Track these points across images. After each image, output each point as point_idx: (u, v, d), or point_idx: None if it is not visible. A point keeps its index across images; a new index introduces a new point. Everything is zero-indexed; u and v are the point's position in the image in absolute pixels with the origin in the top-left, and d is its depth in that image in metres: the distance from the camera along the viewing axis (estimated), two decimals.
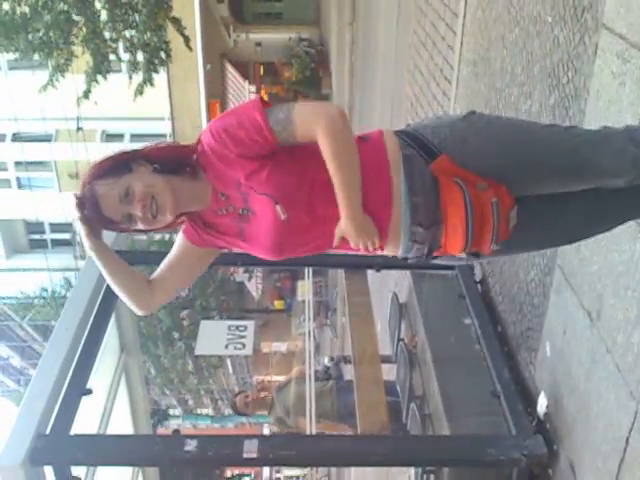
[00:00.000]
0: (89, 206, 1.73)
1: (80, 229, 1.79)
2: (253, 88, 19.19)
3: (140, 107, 16.38)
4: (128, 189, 1.71)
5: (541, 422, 3.00)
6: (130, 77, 11.72)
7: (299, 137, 1.69)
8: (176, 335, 18.31)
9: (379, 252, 1.87)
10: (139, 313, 2.00)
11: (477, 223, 1.70)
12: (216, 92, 19.68)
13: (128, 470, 4.27)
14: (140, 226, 1.77)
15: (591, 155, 1.79)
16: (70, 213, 1.77)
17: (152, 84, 11.91)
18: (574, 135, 1.86)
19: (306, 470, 13.24)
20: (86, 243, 1.82)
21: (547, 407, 2.99)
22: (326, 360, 10.00)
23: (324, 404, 5.08)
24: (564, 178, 1.81)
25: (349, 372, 5.06)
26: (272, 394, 5.49)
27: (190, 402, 23.74)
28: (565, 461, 2.76)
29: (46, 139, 18.79)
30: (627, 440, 2.27)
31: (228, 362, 22.88)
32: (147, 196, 1.72)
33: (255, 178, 1.73)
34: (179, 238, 1.94)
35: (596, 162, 1.80)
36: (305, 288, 14.06)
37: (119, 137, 20.20)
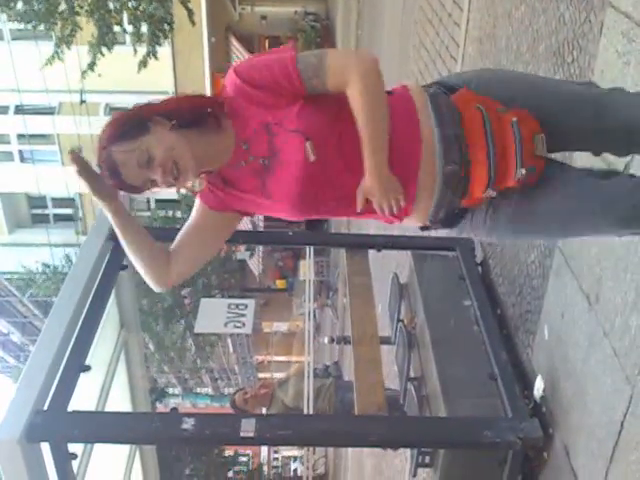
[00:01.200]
0: (109, 173, 1.67)
1: (83, 185, 1.71)
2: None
3: (144, 81, 16.29)
4: (147, 154, 1.65)
5: (537, 405, 3.00)
6: (135, 49, 11.64)
7: (330, 85, 1.63)
8: (177, 313, 18.37)
9: (403, 220, 1.80)
10: (157, 289, 1.91)
11: (498, 146, 1.64)
12: (220, 66, 19.57)
13: (125, 448, 4.28)
14: (159, 188, 1.72)
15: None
16: (70, 177, 1.72)
17: (156, 57, 11.83)
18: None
19: (303, 451, 13.32)
20: (101, 204, 1.75)
21: (544, 390, 2.99)
22: (326, 340, 10.04)
23: (322, 401, 5.12)
24: (589, 106, 1.73)
25: (348, 373, 5.08)
26: (271, 391, 5.52)
27: (190, 381, 23.88)
28: (560, 444, 2.77)
29: (49, 112, 18.71)
30: (622, 424, 2.27)
31: (229, 341, 22.97)
32: (167, 161, 1.65)
33: (285, 113, 1.66)
34: (196, 204, 1.86)
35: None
36: (307, 268, 14.08)
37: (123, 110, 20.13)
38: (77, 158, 1.69)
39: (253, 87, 1.66)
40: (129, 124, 1.68)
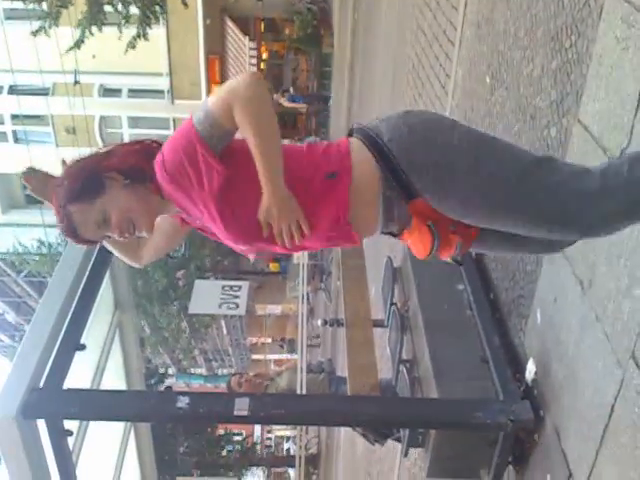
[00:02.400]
0: (66, 230, 1.73)
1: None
2: (253, 45, 18.97)
3: (138, 62, 16.20)
4: (104, 214, 1.70)
5: (529, 388, 3.03)
6: (120, 30, 11.56)
7: (225, 122, 1.61)
8: (171, 294, 18.40)
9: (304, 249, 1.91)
10: (133, 265, 2.11)
11: (440, 251, 1.81)
12: (215, 48, 19.47)
13: (120, 425, 4.31)
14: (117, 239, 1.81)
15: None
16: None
17: (146, 38, 11.76)
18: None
19: (296, 430, 13.42)
20: None
21: (535, 373, 3.02)
22: (319, 322, 10.10)
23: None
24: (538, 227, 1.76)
25: (342, 369, 5.11)
26: (266, 382, 5.58)
27: (184, 362, 23.98)
28: (551, 427, 2.80)
29: (43, 93, 18.61)
30: (612, 407, 2.30)
31: (222, 323, 23.03)
32: (124, 221, 1.72)
33: (212, 222, 1.74)
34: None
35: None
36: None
37: (117, 92, 20.03)
38: (29, 180, 1.79)
39: (180, 190, 1.70)
40: (85, 183, 1.70)
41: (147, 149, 1.77)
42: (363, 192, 1.72)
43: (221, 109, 1.59)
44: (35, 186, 1.79)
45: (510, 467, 3.13)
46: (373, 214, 1.76)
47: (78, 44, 11.52)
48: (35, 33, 11.27)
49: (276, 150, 1.63)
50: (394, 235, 1.88)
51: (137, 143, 1.80)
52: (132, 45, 11.77)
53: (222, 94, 1.60)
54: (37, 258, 17.88)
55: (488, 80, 4.19)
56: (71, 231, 1.73)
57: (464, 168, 1.65)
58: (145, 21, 11.65)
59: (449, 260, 1.87)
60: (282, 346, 24.32)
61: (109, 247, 1.99)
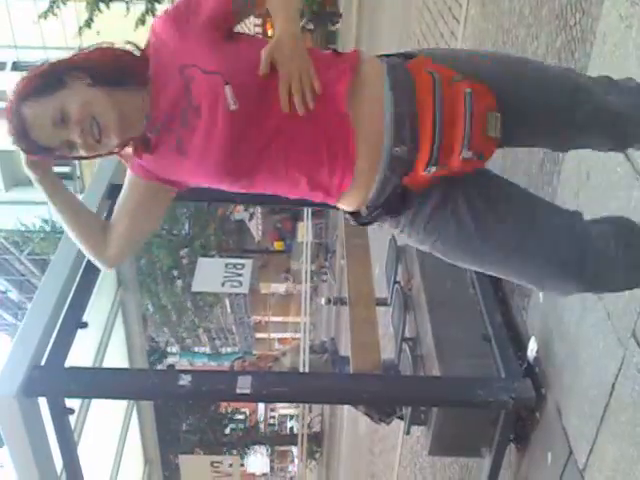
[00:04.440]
0: (17, 133, 1.47)
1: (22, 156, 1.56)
2: (258, 21, 18.80)
3: (142, 38, 16.07)
4: (62, 110, 1.43)
5: (530, 366, 3.03)
6: (128, 7, 11.49)
7: None
8: (175, 273, 18.44)
9: (339, 193, 1.54)
10: (102, 268, 1.74)
11: (447, 114, 1.43)
12: None
13: (123, 404, 4.34)
14: (82, 153, 1.50)
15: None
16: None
17: (154, 14, 11.70)
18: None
19: (300, 409, 13.51)
20: (28, 172, 1.62)
21: (537, 352, 3.02)
22: (323, 301, 10.12)
23: None
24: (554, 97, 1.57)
25: (345, 348, 5.13)
26: (269, 364, 5.60)
27: (187, 340, 24.10)
28: (552, 405, 2.80)
29: None
30: (613, 385, 2.30)
31: (226, 302, 23.11)
32: (86, 117, 1.44)
33: (208, 50, 1.47)
34: (127, 177, 1.66)
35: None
36: (305, 230, 14.11)
37: None
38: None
39: (182, 21, 1.49)
40: (43, 79, 1.47)
41: (123, 55, 1.54)
42: (367, 82, 1.49)
43: None
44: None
45: (511, 445, 3.14)
46: (378, 111, 1.47)
47: (88, 23, 11.44)
48: (44, 15, 11.17)
49: (297, 4, 1.50)
50: (407, 165, 1.49)
51: (113, 48, 1.55)
52: (142, 21, 11.69)
53: None
54: (40, 236, 17.91)
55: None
56: (22, 133, 1.46)
57: None
58: None
59: (467, 155, 1.43)
60: (287, 278, 24.13)
61: (69, 233, 1.68)
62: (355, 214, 1.63)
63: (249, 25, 18.68)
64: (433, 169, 1.46)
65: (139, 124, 1.51)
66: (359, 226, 1.66)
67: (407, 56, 1.58)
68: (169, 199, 1.68)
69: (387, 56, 1.59)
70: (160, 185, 1.62)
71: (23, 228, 18.03)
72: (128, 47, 1.55)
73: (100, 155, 1.55)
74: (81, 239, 1.68)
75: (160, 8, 12.10)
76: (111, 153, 1.56)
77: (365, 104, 1.49)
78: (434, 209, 1.55)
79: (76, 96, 1.44)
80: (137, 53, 1.54)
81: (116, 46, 1.55)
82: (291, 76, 1.42)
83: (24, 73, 1.51)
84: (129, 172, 1.64)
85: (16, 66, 18.65)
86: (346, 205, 1.60)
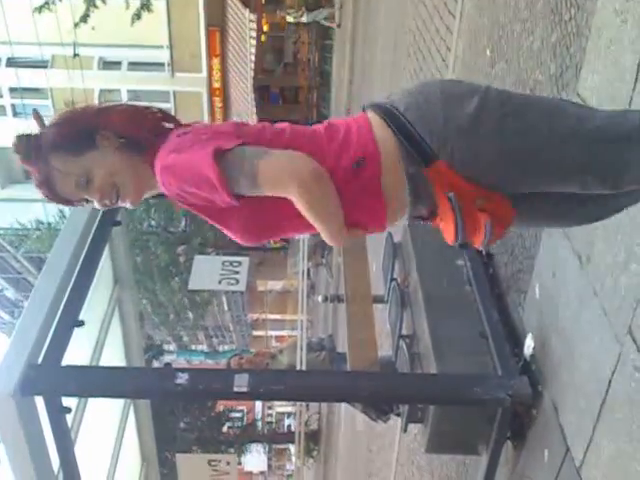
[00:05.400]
0: (42, 180, 1.54)
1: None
2: (253, 17, 18.75)
3: (138, 34, 16.02)
4: (87, 175, 1.52)
5: (527, 363, 3.04)
6: (127, 2, 11.48)
7: (267, 194, 1.49)
8: (172, 271, 18.41)
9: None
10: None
11: (468, 235, 1.57)
12: (216, 20, 19.26)
13: (120, 402, 4.33)
14: (97, 208, 1.61)
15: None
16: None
17: (150, 10, 11.68)
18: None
19: (297, 407, 13.51)
20: None
21: (533, 349, 3.02)
22: (320, 299, 10.10)
23: None
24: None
25: (343, 345, 5.11)
26: (266, 360, 5.58)
27: (184, 338, 24.06)
28: (549, 402, 2.81)
29: (42, 65, 18.48)
30: (609, 382, 2.30)
31: (223, 299, 23.07)
32: (107, 186, 1.54)
33: (224, 225, 1.58)
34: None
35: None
36: None
37: (116, 64, 19.89)
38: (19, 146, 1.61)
39: (185, 202, 1.53)
40: (76, 133, 1.53)
41: (152, 122, 1.59)
42: (391, 174, 1.55)
43: (274, 189, 1.47)
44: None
45: (508, 442, 3.14)
46: (401, 195, 1.57)
47: (84, 18, 11.41)
48: (39, 10, 11.13)
49: (337, 220, 1.53)
50: (424, 219, 1.68)
51: (141, 109, 1.61)
52: (138, 16, 11.65)
53: (280, 176, 1.45)
54: (36, 235, 17.86)
55: (488, 53, 4.15)
56: (47, 186, 1.54)
57: (494, 126, 1.50)
58: None
59: (481, 247, 1.62)
60: (286, 247, 23.86)
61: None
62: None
63: (245, 21, 18.64)
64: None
65: (153, 191, 1.61)
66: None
67: (425, 155, 1.53)
68: None
69: (398, 136, 1.55)
70: None
71: (18, 226, 17.97)
72: (159, 112, 1.61)
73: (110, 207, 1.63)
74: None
75: (155, 4, 12.08)
76: None
77: (391, 193, 1.57)
78: None
79: (103, 164, 1.52)
80: (169, 121, 1.60)
81: (146, 107, 1.61)
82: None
83: (57, 115, 1.56)
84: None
85: (11, 62, 18.59)
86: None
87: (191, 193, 1.49)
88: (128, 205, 1.60)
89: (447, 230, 1.59)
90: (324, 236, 1.57)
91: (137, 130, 1.56)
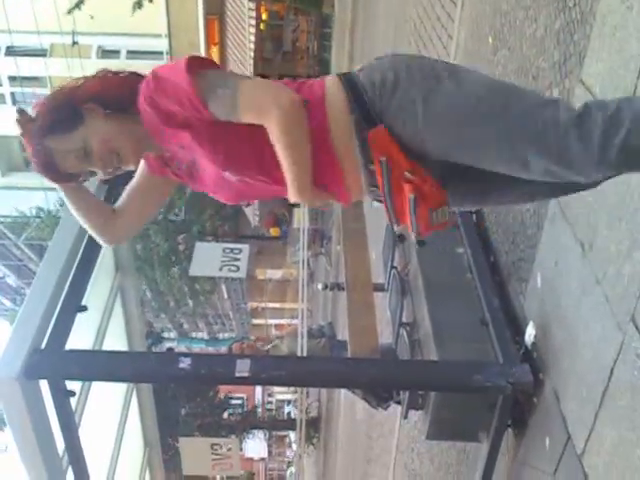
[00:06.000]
0: (43, 165, 1.61)
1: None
2: (252, 5, 18.67)
3: (137, 23, 15.96)
4: (84, 147, 1.59)
5: (528, 351, 3.04)
6: None
7: (242, 121, 1.55)
8: (172, 259, 18.44)
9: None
10: (103, 244, 1.91)
11: (396, 204, 1.63)
12: (214, 9, 19.20)
13: (122, 387, 4.35)
14: (102, 177, 1.68)
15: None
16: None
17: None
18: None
19: (297, 394, 13.55)
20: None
21: (535, 337, 3.03)
22: (320, 287, 10.13)
23: None
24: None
25: (342, 333, 5.13)
26: (267, 347, 5.60)
27: (185, 326, 24.11)
28: (550, 390, 2.81)
29: (41, 54, 18.43)
30: (612, 370, 2.31)
31: (223, 287, 23.10)
32: (106, 152, 1.61)
33: (198, 146, 1.60)
34: (140, 165, 1.82)
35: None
36: (301, 216, 14.09)
37: (115, 53, 19.87)
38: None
39: (165, 118, 1.59)
40: (61, 114, 1.59)
41: (127, 80, 1.65)
42: (340, 129, 1.62)
43: (252, 112, 1.53)
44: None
45: (509, 430, 3.15)
46: (352, 156, 1.64)
47: (78, 4, 11.37)
48: None
49: (306, 165, 1.59)
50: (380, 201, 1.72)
51: (115, 73, 1.66)
52: (139, 5, 11.62)
53: (261, 101, 1.52)
54: (36, 223, 17.87)
55: (491, 41, 4.13)
56: (50, 167, 1.61)
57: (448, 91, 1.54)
58: None
59: (413, 234, 1.67)
60: (285, 236, 23.79)
61: (77, 218, 1.82)
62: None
63: (244, 9, 18.56)
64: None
65: (154, 147, 1.68)
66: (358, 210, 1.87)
67: (368, 116, 1.59)
68: (173, 188, 1.88)
69: (349, 91, 1.62)
70: (168, 179, 1.81)
71: (19, 215, 17.97)
72: (128, 72, 1.68)
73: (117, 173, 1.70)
74: (88, 226, 1.83)
75: None
76: None
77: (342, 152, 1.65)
78: None
79: (95, 132, 1.59)
80: (133, 88, 1.62)
81: (117, 71, 1.68)
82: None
83: (38, 104, 1.62)
84: (142, 163, 1.79)
85: (10, 51, 18.54)
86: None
87: (167, 111, 1.55)
88: (132, 167, 1.68)
89: (385, 207, 1.67)
90: (292, 184, 1.61)
91: (115, 92, 1.62)
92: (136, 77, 1.65)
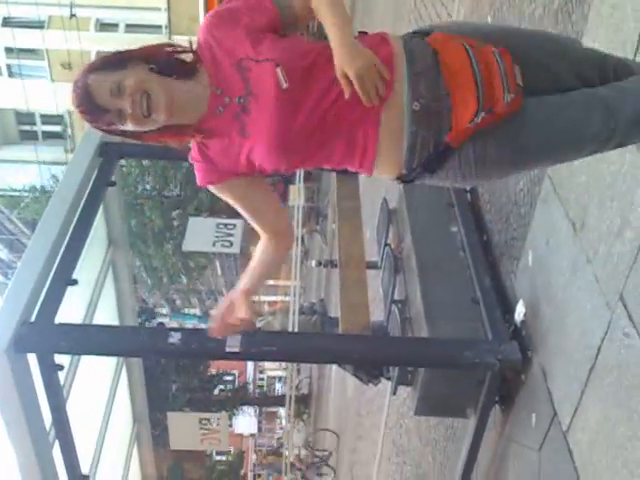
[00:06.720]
0: (81, 97, 1.67)
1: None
2: None
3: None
4: (119, 83, 1.65)
5: (517, 329, 3.06)
6: None
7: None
8: (167, 235, 18.38)
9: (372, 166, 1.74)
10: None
11: (484, 72, 1.63)
12: None
13: (112, 362, 4.35)
14: (130, 124, 1.68)
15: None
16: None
17: None
18: None
19: (288, 371, 13.62)
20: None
21: (524, 315, 3.05)
22: (314, 263, 10.13)
23: None
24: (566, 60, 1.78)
25: (334, 310, 5.13)
26: (260, 318, 5.61)
27: (178, 302, 24.09)
28: (538, 367, 2.83)
29: (38, 26, 18.23)
30: (599, 349, 2.32)
31: (217, 264, 23.08)
32: (138, 91, 1.64)
33: (256, 47, 1.68)
34: (220, 191, 1.89)
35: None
36: (296, 192, 14.06)
37: (113, 27, 19.63)
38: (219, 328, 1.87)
39: (230, 24, 1.72)
40: (108, 60, 1.71)
41: (179, 53, 1.76)
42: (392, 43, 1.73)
43: None
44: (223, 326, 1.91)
45: (496, 406, 3.18)
46: (400, 60, 1.68)
47: None
48: None
49: (348, 18, 1.68)
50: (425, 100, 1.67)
51: (173, 47, 1.78)
52: None
53: None
54: (29, 198, 17.79)
55: (490, 20, 4.11)
56: (85, 96, 1.67)
57: None
58: None
59: (509, 97, 1.63)
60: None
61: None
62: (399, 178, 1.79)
63: None
64: (481, 115, 1.62)
65: (191, 113, 1.73)
66: (404, 183, 1.82)
67: (423, 33, 1.76)
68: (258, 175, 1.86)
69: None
70: (235, 179, 1.84)
71: (10, 189, 17.89)
72: (184, 44, 1.78)
73: (149, 134, 1.75)
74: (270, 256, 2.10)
75: None
76: (170, 137, 1.81)
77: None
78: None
79: (134, 74, 1.67)
80: (183, 47, 1.76)
81: (173, 43, 1.79)
82: (365, 82, 1.60)
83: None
84: (219, 187, 1.87)
85: (7, 22, 18.33)
86: (383, 175, 1.77)
87: (236, 12, 1.71)
88: (162, 119, 1.68)
89: (464, 99, 1.63)
90: (342, 42, 1.62)
91: (164, 58, 1.73)
92: (181, 46, 1.76)
